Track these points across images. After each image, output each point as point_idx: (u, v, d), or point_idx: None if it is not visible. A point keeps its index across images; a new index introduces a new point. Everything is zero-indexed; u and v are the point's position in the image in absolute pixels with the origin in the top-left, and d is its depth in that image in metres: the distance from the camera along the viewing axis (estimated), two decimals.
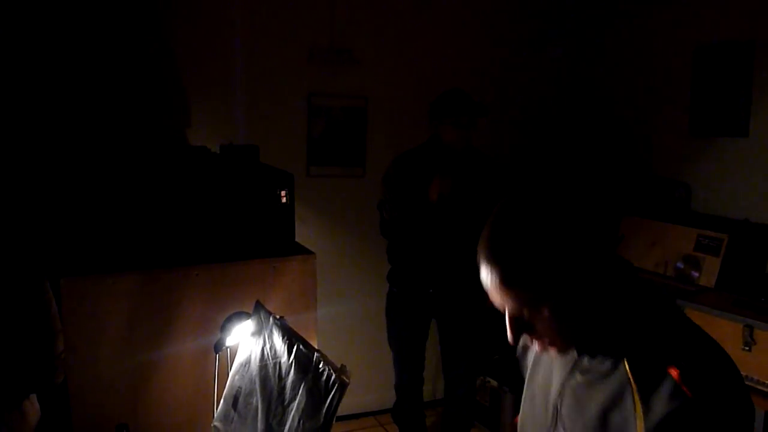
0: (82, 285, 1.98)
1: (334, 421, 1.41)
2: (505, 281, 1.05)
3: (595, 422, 1.10)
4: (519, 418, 1.34)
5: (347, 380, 1.36)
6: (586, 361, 1.15)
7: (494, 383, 3.70)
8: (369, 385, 4.00)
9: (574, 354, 1.16)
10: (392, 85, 3.85)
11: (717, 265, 3.02)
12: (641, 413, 1.03)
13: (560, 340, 1.11)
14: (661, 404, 1.01)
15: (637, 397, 1.04)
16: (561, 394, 1.19)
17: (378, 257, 3.90)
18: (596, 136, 4.13)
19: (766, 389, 2.51)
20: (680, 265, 3.15)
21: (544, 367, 1.27)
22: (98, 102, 3.02)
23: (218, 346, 1.89)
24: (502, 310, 1.11)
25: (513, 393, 3.56)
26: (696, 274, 3.09)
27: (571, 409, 1.16)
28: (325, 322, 3.67)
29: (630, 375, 1.06)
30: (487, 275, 1.08)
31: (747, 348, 2.57)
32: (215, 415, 1.85)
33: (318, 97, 3.70)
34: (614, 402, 1.08)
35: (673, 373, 1.02)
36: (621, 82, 3.98)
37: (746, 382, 2.55)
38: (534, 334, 1.11)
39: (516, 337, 1.11)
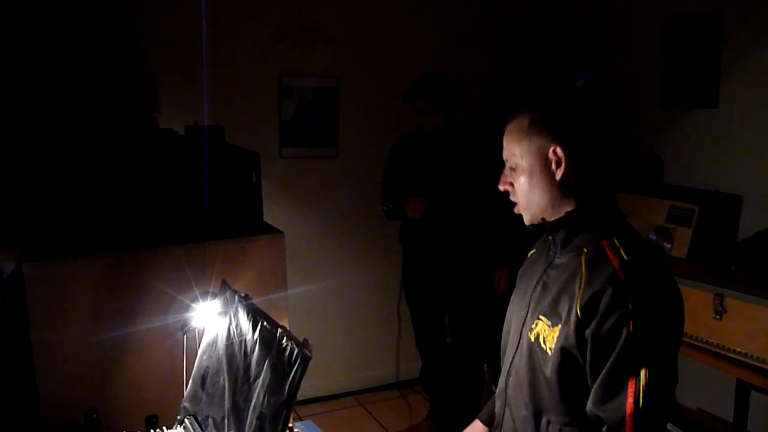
0: (45, 270, 1.94)
1: (299, 396, 1.40)
2: (531, 124, 1.38)
3: (551, 302, 1.38)
4: (507, 314, 1.62)
5: (309, 354, 1.35)
6: (557, 260, 1.42)
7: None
8: (346, 366, 4.02)
9: (550, 255, 1.46)
10: (364, 63, 3.82)
11: (688, 235, 3.05)
12: (582, 290, 1.30)
13: (527, 207, 1.43)
14: (598, 283, 1.28)
15: (583, 278, 1.31)
16: (535, 287, 1.46)
17: (352, 238, 3.90)
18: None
19: (736, 356, 2.54)
20: (653, 236, 3.17)
21: (528, 275, 1.54)
22: (62, 85, 2.96)
23: (185, 327, 1.87)
24: (506, 160, 1.44)
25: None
26: (668, 246, 3.11)
27: (539, 296, 1.44)
28: (299, 303, 3.68)
29: (583, 262, 1.33)
30: (519, 121, 1.41)
31: (718, 317, 2.59)
32: (184, 396, 1.83)
33: (288, 78, 3.66)
34: (567, 284, 1.35)
35: (615, 263, 1.29)
36: (590, 55, 3.98)
37: (716, 350, 2.59)
38: (514, 194, 1.44)
39: (503, 184, 1.46)
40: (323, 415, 3.74)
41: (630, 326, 1.23)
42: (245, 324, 1.63)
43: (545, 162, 1.38)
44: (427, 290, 3.38)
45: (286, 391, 1.38)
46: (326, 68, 3.75)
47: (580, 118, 1.39)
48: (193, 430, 1.73)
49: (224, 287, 1.83)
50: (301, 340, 1.40)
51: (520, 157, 1.41)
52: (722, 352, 2.59)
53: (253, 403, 1.49)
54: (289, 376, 1.38)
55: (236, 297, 1.72)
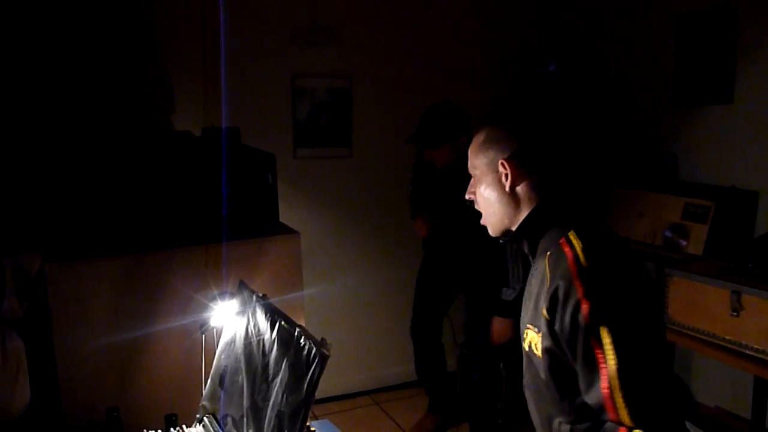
0: (66, 270, 1.97)
1: (317, 395, 1.41)
2: (485, 139, 1.48)
3: (532, 310, 1.44)
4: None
5: (328, 353, 1.37)
6: (533, 267, 1.48)
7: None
8: (363, 364, 4.03)
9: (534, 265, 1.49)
10: (378, 63, 3.83)
11: (704, 232, 3.04)
12: (546, 291, 1.35)
13: (486, 217, 1.51)
14: (555, 281, 1.33)
15: (548, 280, 1.36)
16: (527, 297, 1.51)
17: (366, 237, 3.92)
18: (581, 109, 4.12)
19: (753, 353, 2.52)
20: (668, 233, 3.16)
21: (528, 286, 1.54)
22: (80, 88, 3.00)
23: (204, 327, 1.90)
24: (471, 173, 1.52)
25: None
26: (684, 243, 3.10)
27: (525, 306, 1.51)
28: (315, 303, 3.70)
29: (547, 265, 1.39)
30: (478, 135, 1.50)
31: (735, 314, 2.58)
32: (203, 395, 1.85)
33: (302, 78, 3.68)
34: (540, 289, 1.40)
35: (569, 257, 1.34)
36: (605, 53, 3.97)
37: (733, 347, 2.58)
38: (476, 204, 1.53)
39: (468, 194, 1.54)
40: (339, 414, 3.76)
41: (585, 315, 1.27)
42: (263, 323, 1.65)
43: (496, 174, 1.46)
44: (443, 277, 3.41)
45: (304, 389, 1.39)
46: (339, 68, 3.76)
47: (526, 132, 1.46)
48: (213, 428, 1.76)
49: (242, 287, 1.85)
50: (319, 339, 1.42)
51: (478, 170, 1.50)
52: (739, 349, 2.58)
53: (271, 402, 1.50)
54: (307, 374, 1.39)
55: (254, 297, 1.74)
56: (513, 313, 2.93)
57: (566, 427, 1.40)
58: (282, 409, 1.45)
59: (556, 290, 1.32)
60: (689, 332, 2.77)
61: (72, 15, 2.98)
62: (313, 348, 1.41)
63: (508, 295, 2.96)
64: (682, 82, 3.45)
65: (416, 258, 3.57)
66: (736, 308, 2.58)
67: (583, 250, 1.34)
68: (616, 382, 1.26)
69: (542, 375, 1.40)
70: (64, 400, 1.97)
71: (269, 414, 1.50)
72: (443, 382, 3.59)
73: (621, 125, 3.88)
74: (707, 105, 3.35)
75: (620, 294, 1.31)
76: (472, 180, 1.54)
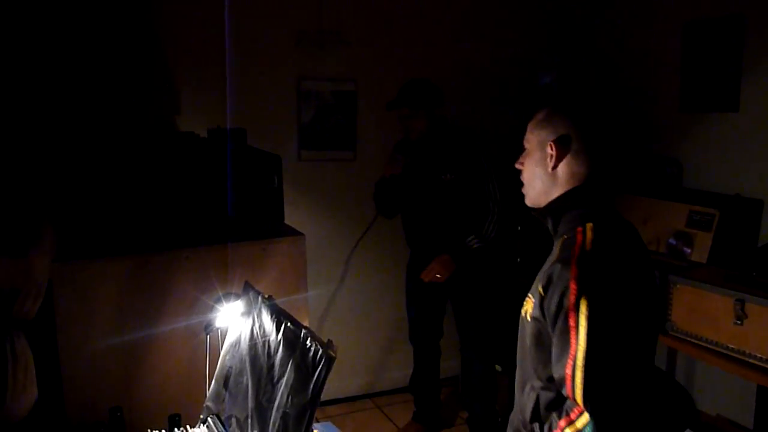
0: (72, 270, 1.98)
1: (321, 398, 1.41)
2: (542, 120, 1.58)
3: (536, 280, 1.52)
4: None
5: (334, 355, 1.37)
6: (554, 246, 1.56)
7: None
8: (365, 368, 4.03)
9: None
10: (382, 67, 3.84)
11: (709, 240, 3.03)
12: (547, 269, 1.46)
13: (527, 188, 1.63)
14: (557, 262, 1.44)
15: (553, 260, 1.47)
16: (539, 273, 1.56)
17: (370, 239, 3.91)
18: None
19: (758, 363, 2.52)
20: (673, 241, 3.16)
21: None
22: (85, 89, 3.00)
23: (209, 328, 1.90)
24: (525, 146, 1.63)
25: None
26: (688, 250, 3.09)
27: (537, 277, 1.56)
28: (318, 305, 3.70)
29: (558, 247, 1.49)
30: (537, 113, 1.60)
31: (739, 322, 2.57)
32: (207, 395, 1.85)
33: (307, 81, 3.69)
34: (546, 264, 1.51)
35: (577, 245, 1.43)
36: (611, 59, 3.97)
37: (737, 356, 2.57)
38: (522, 174, 1.63)
39: (518, 163, 1.65)
40: (340, 417, 3.75)
41: (570, 295, 1.37)
42: (269, 325, 1.65)
43: (543, 153, 1.57)
44: (433, 291, 3.38)
45: (310, 391, 1.39)
46: (345, 71, 3.77)
47: (578, 120, 1.56)
48: (216, 429, 1.75)
49: (247, 288, 1.85)
50: (325, 341, 1.42)
51: (530, 144, 1.62)
52: (743, 357, 2.57)
53: (276, 403, 1.50)
54: (313, 376, 1.39)
55: (259, 298, 1.74)
56: (461, 259, 3.14)
57: (533, 394, 1.51)
58: (287, 410, 1.45)
59: (553, 270, 1.43)
60: (693, 340, 2.76)
61: (78, 17, 2.99)
62: (319, 350, 1.41)
63: (471, 242, 3.14)
64: (689, 90, 3.46)
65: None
66: (740, 316, 2.57)
67: (593, 241, 1.43)
68: (580, 363, 1.35)
69: (527, 340, 1.53)
70: (67, 399, 1.97)
71: (274, 415, 1.50)
72: (433, 391, 3.58)
73: (627, 131, 3.87)
74: (713, 113, 3.35)
75: (609, 286, 1.40)
76: (524, 152, 1.65)
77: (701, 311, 2.72)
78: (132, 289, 2.03)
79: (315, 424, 2.08)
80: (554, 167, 1.55)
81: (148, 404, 2.03)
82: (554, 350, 1.42)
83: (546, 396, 1.49)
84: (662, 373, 3.56)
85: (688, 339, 2.78)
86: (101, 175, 2.16)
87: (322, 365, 1.38)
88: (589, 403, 1.35)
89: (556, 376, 1.41)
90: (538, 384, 1.50)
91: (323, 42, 3.66)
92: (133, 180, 2.17)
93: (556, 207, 1.56)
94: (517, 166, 1.67)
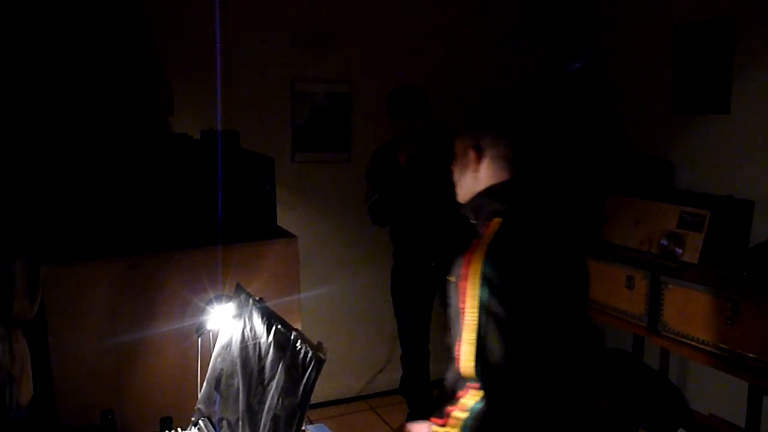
0: (63, 272, 1.98)
1: (314, 400, 1.42)
2: (466, 126, 1.74)
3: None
4: None
5: (323, 357, 1.37)
6: None
7: None
8: (359, 369, 4.03)
9: None
10: (377, 68, 3.84)
11: (700, 241, 3.04)
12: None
13: (458, 189, 1.77)
14: (471, 241, 1.56)
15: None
16: None
17: (363, 242, 3.92)
18: (578, 116, 4.14)
19: (748, 362, 2.53)
20: (664, 242, 3.17)
21: None
22: (79, 90, 3.00)
23: (200, 330, 1.90)
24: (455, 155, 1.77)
25: None
26: (680, 251, 3.11)
27: None
28: (312, 307, 3.69)
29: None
30: (461, 124, 1.77)
31: (730, 322, 2.59)
32: (198, 398, 1.86)
33: (301, 83, 3.69)
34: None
35: (480, 238, 1.55)
36: (603, 61, 3.98)
37: (728, 355, 2.59)
38: (454, 176, 1.77)
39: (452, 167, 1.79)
40: (334, 419, 3.76)
41: (461, 282, 1.49)
42: (259, 327, 1.65)
43: (467, 157, 1.73)
44: (423, 294, 3.39)
45: (300, 393, 1.40)
46: (339, 73, 3.78)
47: (497, 128, 1.72)
48: (207, 431, 1.76)
49: (238, 290, 1.85)
50: (316, 343, 1.42)
51: (456, 149, 1.78)
52: (734, 357, 2.58)
53: (267, 405, 1.51)
54: (303, 378, 1.40)
55: (250, 300, 1.75)
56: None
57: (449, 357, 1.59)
58: (278, 412, 1.46)
59: (457, 258, 1.56)
60: (684, 340, 2.77)
61: (71, 18, 2.98)
62: (309, 352, 1.41)
63: (369, 198, 3.38)
64: (680, 92, 3.47)
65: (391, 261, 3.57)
66: (731, 316, 2.58)
67: (495, 233, 1.54)
68: (465, 341, 1.47)
69: (452, 303, 1.59)
70: (59, 402, 1.97)
71: (265, 417, 1.50)
72: (424, 393, 3.58)
73: (618, 133, 3.89)
74: (704, 114, 3.37)
75: (500, 273, 1.47)
76: (454, 156, 1.82)
77: (693, 312, 2.74)
78: (124, 291, 2.03)
79: (308, 426, 2.09)
80: (476, 170, 1.70)
81: (140, 407, 2.03)
82: (452, 330, 1.56)
83: (449, 364, 1.61)
84: (655, 372, 3.58)
85: (680, 339, 2.79)
86: (93, 177, 2.15)
87: (312, 367, 1.38)
88: (478, 376, 1.47)
89: (449, 344, 1.56)
90: (451, 349, 1.61)
91: (317, 43, 3.66)
92: (125, 181, 2.17)
93: (474, 203, 1.71)
94: (452, 167, 1.83)
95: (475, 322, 1.45)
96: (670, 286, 2.84)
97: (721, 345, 2.63)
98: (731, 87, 3.20)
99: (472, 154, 1.70)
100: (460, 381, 1.53)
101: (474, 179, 1.72)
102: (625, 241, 3.35)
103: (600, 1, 4.00)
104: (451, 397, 1.58)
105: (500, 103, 1.81)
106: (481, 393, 1.46)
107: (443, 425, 1.56)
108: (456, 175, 1.79)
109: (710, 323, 2.66)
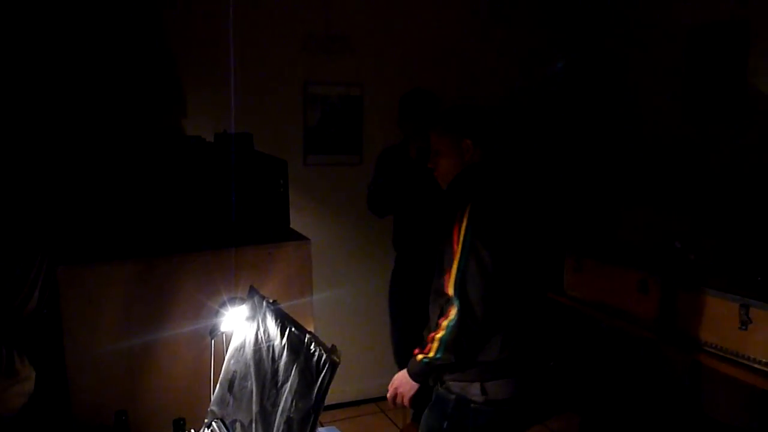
0: (79, 273, 1.99)
1: (325, 402, 1.42)
2: (447, 128, 2.21)
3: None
4: None
5: (338, 360, 1.38)
6: None
7: None
8: (369, 372, 4.03)
9: None
10: (389, 72, 3.85)
11: (714, 245, 3.02)
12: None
13: (447, 178, 2.19)
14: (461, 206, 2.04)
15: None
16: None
17: (374, 244, 3.92)
18: (591, 122, 4.13)
19: (762, 367, 2.51)
20: (678, 245, 3.15)
21: None
22: (94, 93, 3.03)
23: (214, 332, 1.91)
24: (434, 149, 2.23)
25: None
26: (693, 255, 3.09)
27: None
28: (323, 309, 3.70)
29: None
30: (437, 126, 2.24)
31: (743, 327, 2.57)
32: (212, 400, 1.86)
33: (314, 86, 3.70)
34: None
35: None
36: (616, 67, 3.97)
37: (741, 361, 2.57)
38: (436, 170, 2.23)
39: (431, 163, 2.26)
40: (344, 422, 3.76)
41: (457, 224, 2.00)
42: (273, 329, 1.66)
43: (459, 149, 2.16)
44: (419, 295, 3.40)
45: (314, 396, 1.40)
46: (351, 76, 3.79)
47: (460, 126, 2.18)
48: None
49: (252, 292, 1.86)
50: (329, 346, 1.43)
51: (442, 145, 2.20)
52: (747, 363, 2.57)
53: (281, 408, 1.51)
54: (317, 381, 1.40)
55: (264, 302, 1.75)
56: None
57: (437, 308, 2.06)
58: (291, 415, 1.46)
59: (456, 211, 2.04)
60: (697, 345, 2.76)
61: (87, 21, 3.01)
62: (323, 355, 1.41)
63: (374, 183, 3.53)
64: (693, 97, 3.45)
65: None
66: (745, 321, 2.57)
67: (475, 202, 2.01)
68: (454, 269, 1.97)
69: (446, 250, 2.04)
70: (73, 403, 1.98)
71: (278, 420, 1.50)
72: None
73: (631, 138, 3.87)
74: (717, 118, 3.35)
75: (483, 223, 1.98)
76: (434, 154, 2.23)
77: (706, 316, 2.72)
78: (138, 293, 2.04)
79: (319, 429, 2.09)
80: (467, 159, 2.13)
81: (153, 408, 2.04)
82: (445, 262, 2.02)
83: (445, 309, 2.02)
84: (668, 377, 3.56)
85: (693, 344, 2.78)
86: (108, 179, 2.17)
87: (326, 370, 1.39)
88: (456, 295, 1.96)
89: (444, 278, 2.00)
90: (443, 300, 2.03)
91: (330, 47, 3.68)
92: (140, 184, 2.18)
93: (448, 191, 2.16)
94: (430, 165, 2.24)
95: (459, 257, 1.95)
96: (683, 290, 2.82)
97: (734, 350, 2.61)
98: (746, 92, 3.18)
99: (467, 145, 2.13)
100: (444, 307, 2.00)
101: (461, 168, 2.14)
102: (638, 245, 3.34)
103: (611, 7, 3.99)
104: (434, 328, 2.04)
105: (474, 108, 2.27)
106: (456, 310, 1.96)
107: (424, 350, 2.06)
108: (442, 170, 2.20)
109: (723, 328, 2.64)
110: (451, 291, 1.97)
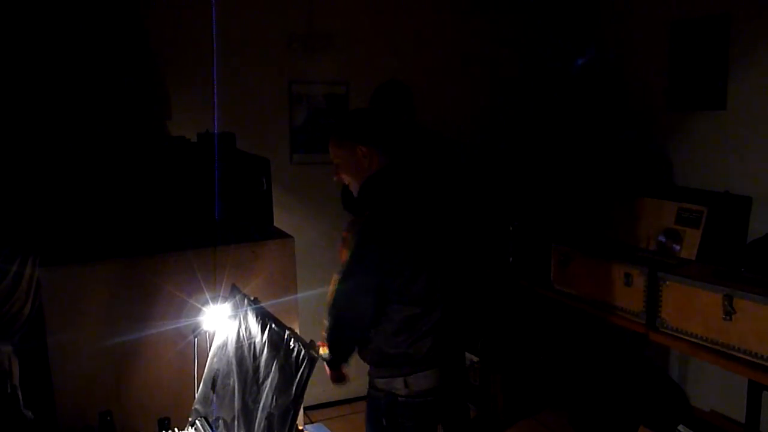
0: (61, 274, 1.99)
1: (310, 400, 1.43)
2: (340, 138, 2.18)
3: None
4: None
5: (316, 355, 1.38)
6: None
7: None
8: (359, 370, 4.02)
9: None
10: (374, 70, 3.84)
11: (698, 237, 3.05)
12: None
13: (356, 186, 2.17)
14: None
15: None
16: None
17: None
18: (575, 115, 4.15)
19: (746, 357, 2.53)
20: (662, 238, 3.17)
21: None
22: (76, 93, 3.02)
23: (197, 330, 1.91)
24: (334, 162, 2.20)
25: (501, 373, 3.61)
26: (677, 247, 3.11)
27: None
28: (309, 307, 3.69)
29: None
30: (333, 138, 2.20)
31: (728, 318, 2.59)
32: (196, 398, 1.87)
33: (299, 85, 3.70)
34: None
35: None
36: (599, 59, 3.99)
37: (727, 351, 2.59)
38: (341, 175, 2.20)
39: (335, 176, 2.23)
40: (335, 420, 3.76)
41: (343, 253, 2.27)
42: (254, 327, 1.67)
43: (357, 158, 2.13)
44: None
45: (293, 391, 1.41)
46: (336, 75, 3.79)
47: (352, 133, 2.15)
48: (204, 431, 1.77)
49: (234, 291, 1.87)
50: (308, 342, 1.43)
51: (341, 158, 2.17)
52: (733, 353, 2.59)
53: (262, 404, 1.52)
54: (296, 376, 1.41)
55: (245, 300, 1.76)
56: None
57: None
58: (272, 410, 1.47)
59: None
60: (683, 336, 2.78)
61: (69, 21, 3.00)
62: (302, 350, 1.42)
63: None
64: (676, 88, 3.48)
65: None
66: (729, 312, 2.58)
67: (367, 217, 2.10)
68: (335, 281, 2.14)
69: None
70: (57, 404, 1.97)
71: (259, 416, 1.51)
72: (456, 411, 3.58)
73: (615, 131, 3.89)
74: (700, 111, 3.37)
75: (364, 246, 2.08)
76: (336, 166, 2.21)
77: (690, 307, 2.74)
78: (121, 293, 2.04)
79: (307, 426, 2.10)
80: (367, 166, 2.11)
81: (138, 408, 2.04)
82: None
83: None
84: (655, 369, 3.58)
85: (679, 335, 2.79)
86: (90, 179, 2.16)
87: (305, 365, 1.39)
88: (328, 313, 2.15)
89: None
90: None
91: (314, 45, 3.68)
92: (122, 184, 2.18)
93: (365, 192, 2.15)
94: (336, 179, 2.23)
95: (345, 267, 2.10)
96: (668, 282, 2.84)
97: (719, 340, 2.63)
98: (727, 83, 3.21)
99: (364, 152, 2.10)
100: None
101: (366, 174, 2.12)
102: (624, 238, 3.36)
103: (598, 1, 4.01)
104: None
105: (367, 112, 2.35)
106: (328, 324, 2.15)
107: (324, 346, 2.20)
108: (347, 179, 2.18)
109: (708, 319, 2.66)
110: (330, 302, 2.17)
